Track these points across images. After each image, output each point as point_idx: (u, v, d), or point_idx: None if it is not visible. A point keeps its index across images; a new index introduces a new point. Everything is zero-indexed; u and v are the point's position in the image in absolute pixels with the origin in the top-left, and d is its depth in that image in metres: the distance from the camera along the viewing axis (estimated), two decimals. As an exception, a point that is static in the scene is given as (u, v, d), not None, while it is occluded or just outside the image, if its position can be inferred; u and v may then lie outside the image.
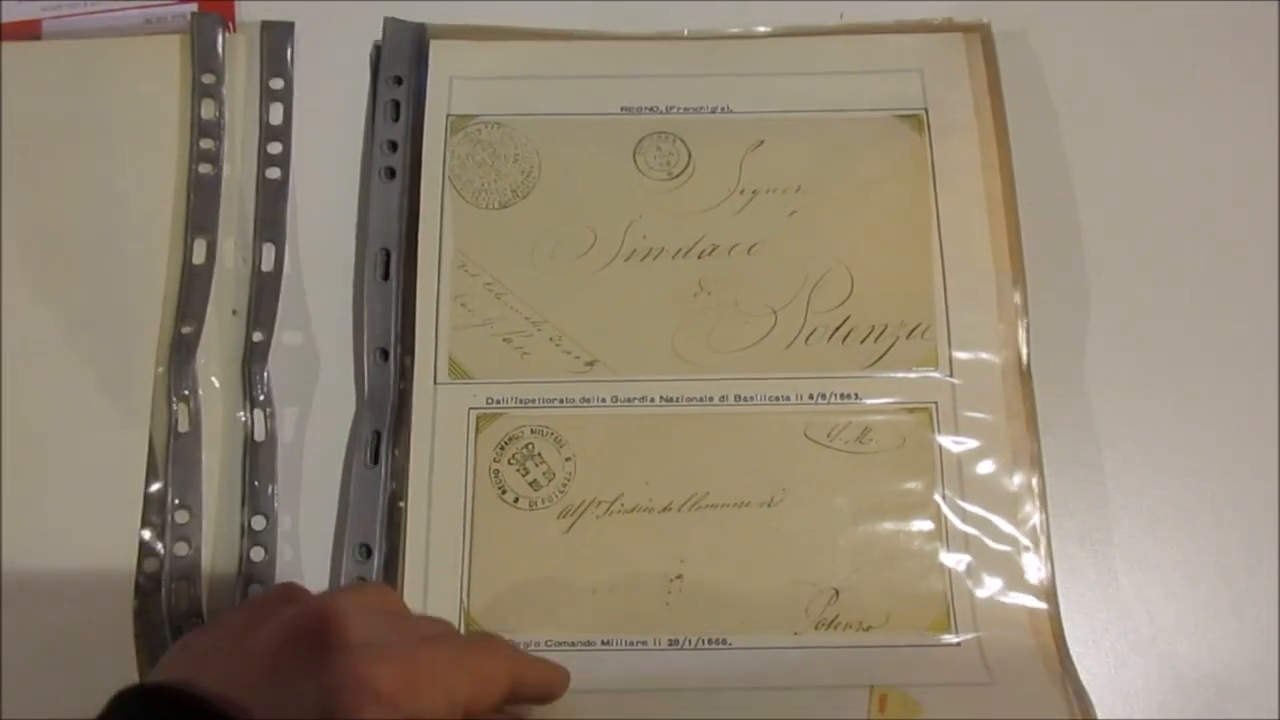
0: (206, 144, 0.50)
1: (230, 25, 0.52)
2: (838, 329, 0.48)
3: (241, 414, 0.48)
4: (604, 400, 0.47)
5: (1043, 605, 0.44)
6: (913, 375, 0.47)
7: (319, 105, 0.52)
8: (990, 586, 0.45)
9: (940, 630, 0.44)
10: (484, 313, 0.48)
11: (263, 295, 0.49)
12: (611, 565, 0.45)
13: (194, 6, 0.53)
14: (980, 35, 0.52)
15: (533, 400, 0.47)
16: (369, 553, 0.45)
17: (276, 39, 0.52)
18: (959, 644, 0.44)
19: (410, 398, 0.47)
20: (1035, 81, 0.53)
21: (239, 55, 0.51)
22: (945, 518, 0.45)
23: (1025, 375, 0.47)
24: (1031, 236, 0.49)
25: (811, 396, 0.47)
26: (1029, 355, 0.47)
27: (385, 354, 0.48)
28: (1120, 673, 0.45)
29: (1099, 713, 0.42)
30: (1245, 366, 0.49)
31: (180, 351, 0.47)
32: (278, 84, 0.52)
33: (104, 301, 0.48)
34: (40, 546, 0.45)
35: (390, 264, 0.49)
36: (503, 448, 0.46)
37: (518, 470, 0.46)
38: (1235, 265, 0.50)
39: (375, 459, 0.46)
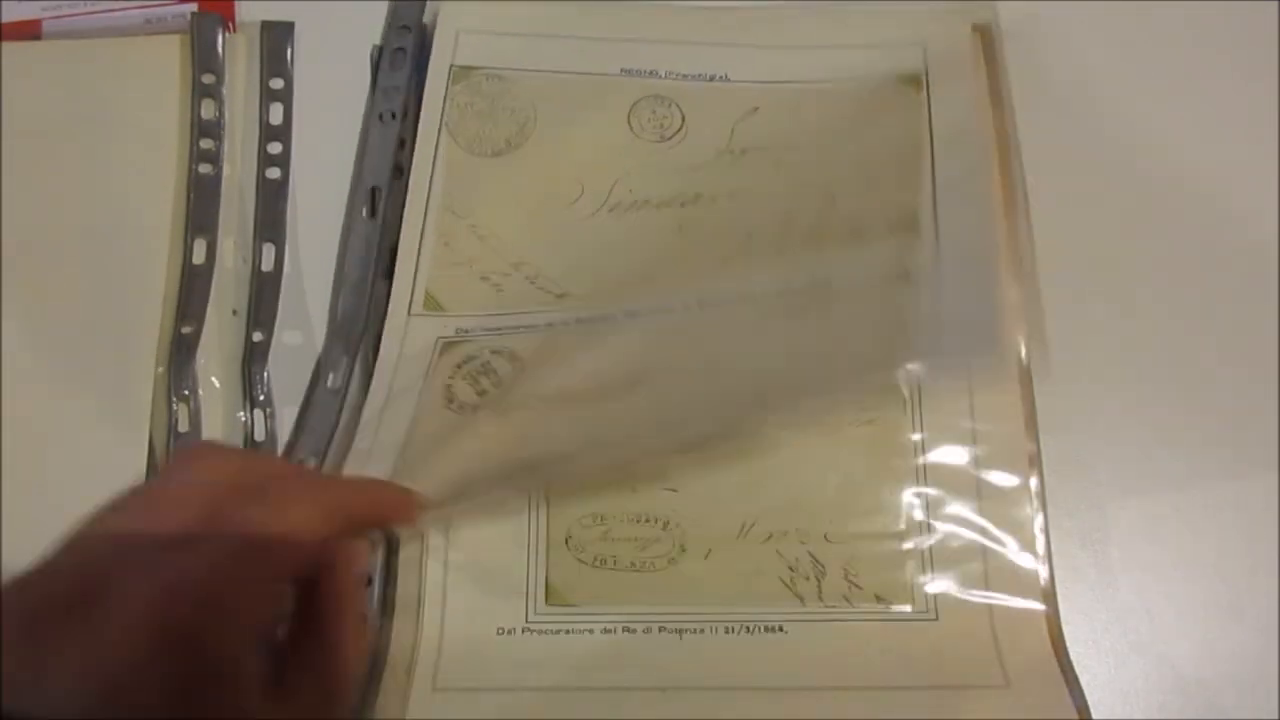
0: (206, 144, 0.50)
1: (230, 25, 0.52)
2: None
3: (241, 414, 0.48)
4: (568, 323, 0.47)
5: (1040, 606, 0.44)
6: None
7: (319, 105, 0.52)
8: (960, 576, 0.44)
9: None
10: (465, 252, 0.49)
11: (263, 295, 0.49)
12: (542, 441, 0.44)
13: (194, 6, 0.53)
14: (982, 33, 0.52)
15: (499, 329, 0.47)
16: None
17: (276, 39, 0.52)
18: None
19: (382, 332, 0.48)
20: (1036, 80, 0.52)
21: (239, 55, 0.51)
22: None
23: (1025, 375, 0.47)
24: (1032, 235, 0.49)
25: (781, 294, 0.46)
26: (1028, 355, 0.47)
27: (361, 288, 0.49)
28: (1120, 673, 0.45)
29: (1100, 713, 0.42)
30: (1245, 366, 0.49)
31: (180, 351, 0.47)
32: (278, 84, 0.52)
33: (104, 301, 0.48)
34: (41, 547, 0.44)
35: (378, 202, 0.50)
36: (459, 366, 0.46)
37: (469, 384, 0.46)
38: (1235, 264, 0.50)
39: (339, 387, 0.47)
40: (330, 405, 0.47)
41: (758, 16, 0.53)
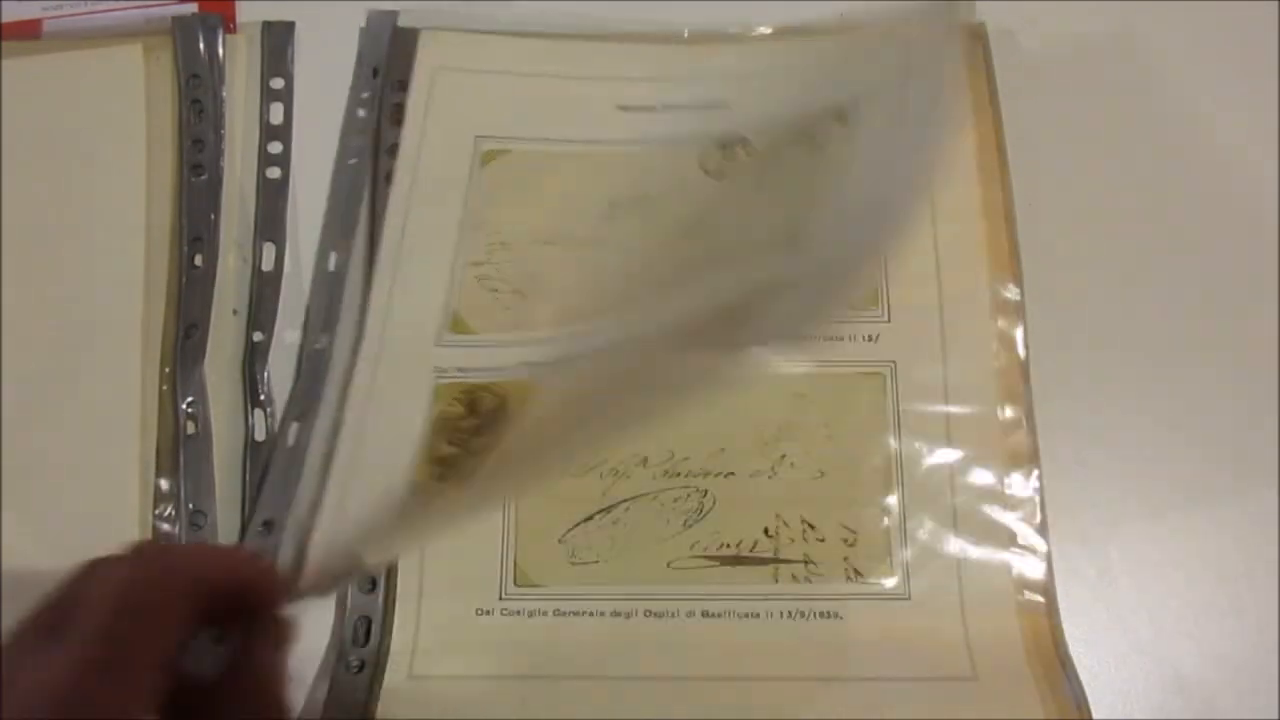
0: (206, 144, 0.50)
1: (230, 25, 0.52)
2: None
3: (242, 414, 0.48)
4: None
5: (1040, 599, 0.44)
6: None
7: (319, 105, 0.52)
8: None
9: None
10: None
11: (263, 295, 0.49)
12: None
13: (194, 6, 0.53)
14: (975, 34, 0.52)
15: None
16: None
17: (276, 39, 0.52)
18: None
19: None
20: (1031, 80, 0.53)
21: (239, 55, 0.51)
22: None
23: (1024, 374, 0.47)
24: (1029, 236, 0.49)
25: None
26: (1027, 354, 0.47)
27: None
28: (1120, 673, 0.45)
29: (1100, 713, 0.42)
30: (1245, 366, 0.49)
31: (183, 352, 0.47)
32: (278, 84, 0.52)
33: (106, 302, 0.48)
34: (44, 549, 0.45)
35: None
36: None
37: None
38: (1234, 264, 0.50)
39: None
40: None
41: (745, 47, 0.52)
